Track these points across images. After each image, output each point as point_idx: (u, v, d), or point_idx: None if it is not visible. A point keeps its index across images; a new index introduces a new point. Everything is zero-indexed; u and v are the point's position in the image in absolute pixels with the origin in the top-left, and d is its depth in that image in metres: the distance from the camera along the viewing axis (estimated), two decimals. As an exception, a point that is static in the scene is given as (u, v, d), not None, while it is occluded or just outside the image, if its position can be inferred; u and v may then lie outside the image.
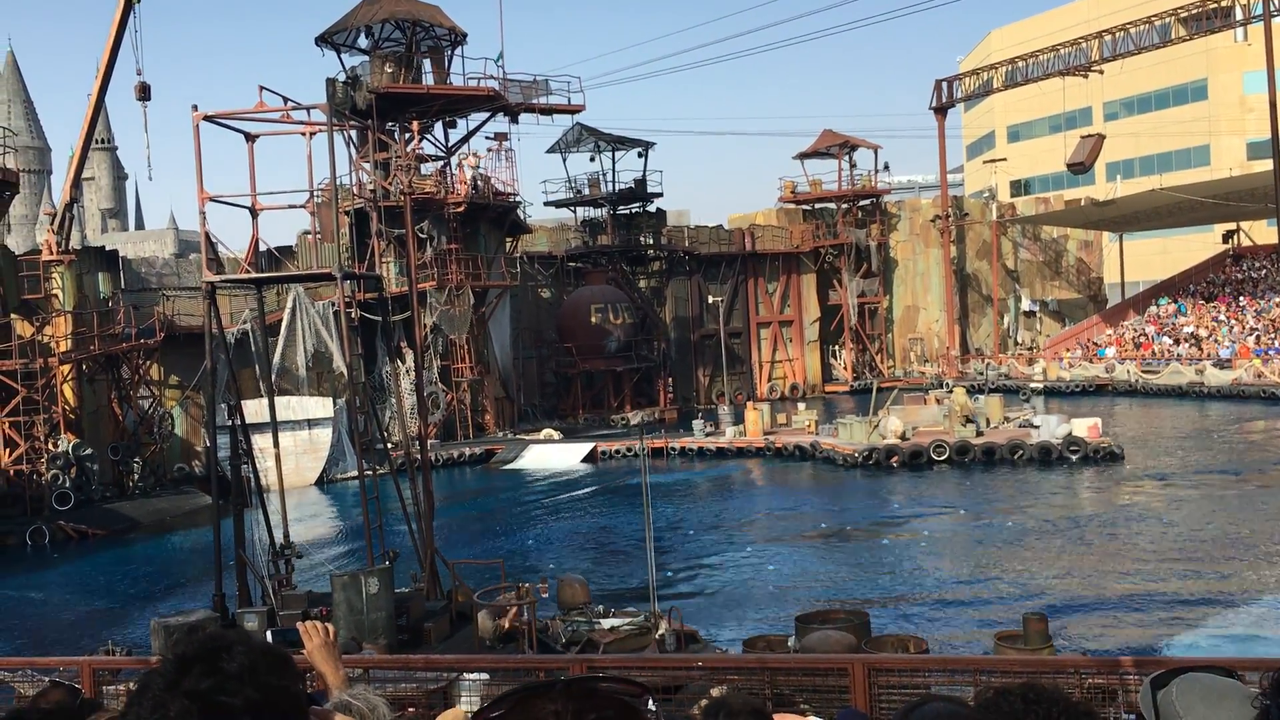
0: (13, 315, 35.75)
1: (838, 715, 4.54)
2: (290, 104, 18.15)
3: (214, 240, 18.78)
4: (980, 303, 68.50)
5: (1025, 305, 69.34)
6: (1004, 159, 78.31)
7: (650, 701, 1.45)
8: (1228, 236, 65.37)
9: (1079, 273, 71.22)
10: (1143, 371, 54.78)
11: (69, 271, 37.77)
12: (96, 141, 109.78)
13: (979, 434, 37.59)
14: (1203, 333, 58.26)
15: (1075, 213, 65.70)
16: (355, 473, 26.73)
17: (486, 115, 48.38)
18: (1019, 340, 68.14)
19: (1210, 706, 2.16)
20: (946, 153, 66.32)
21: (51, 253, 37.41)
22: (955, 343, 64.74)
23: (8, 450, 33.63)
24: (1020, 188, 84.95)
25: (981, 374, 59.26)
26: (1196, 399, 49.96)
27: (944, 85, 63.91)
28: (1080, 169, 58.75)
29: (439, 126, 48.15)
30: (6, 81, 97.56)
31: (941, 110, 64.34)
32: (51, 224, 38.62)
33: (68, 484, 33.72)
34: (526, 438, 46.25)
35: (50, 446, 34.09)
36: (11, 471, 33.50)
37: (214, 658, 1.43)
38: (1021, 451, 35.82)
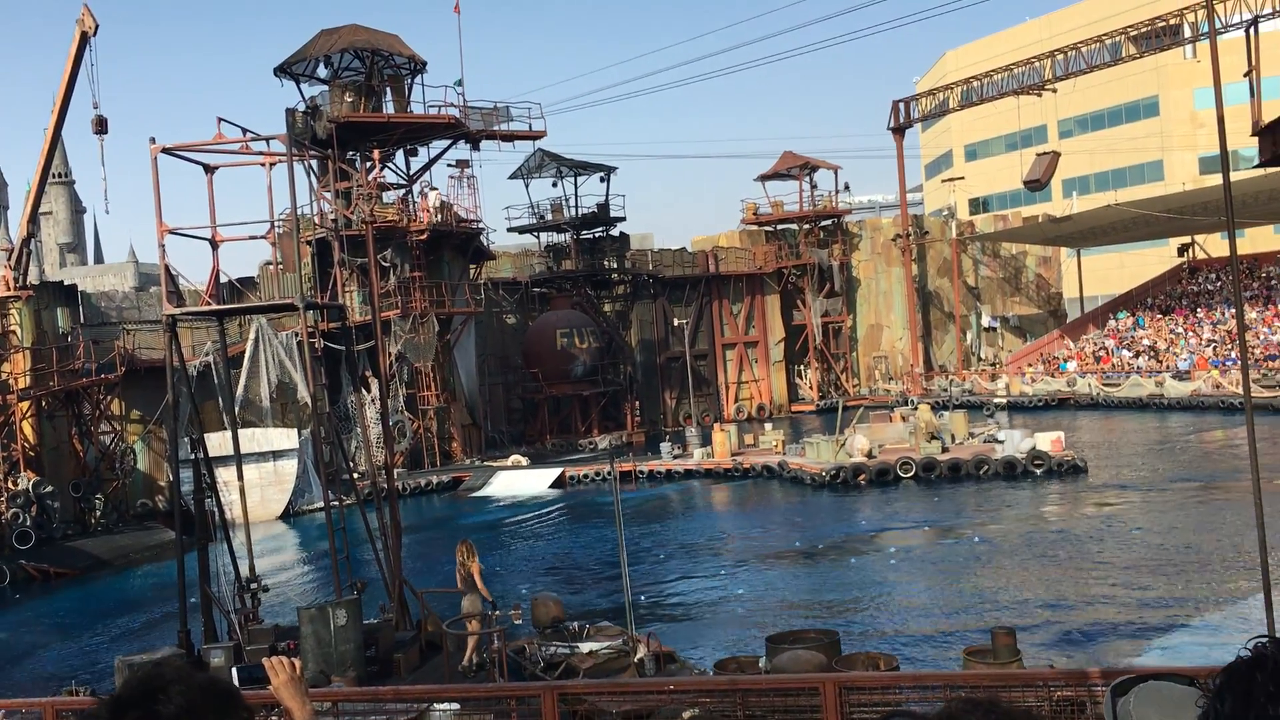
0: (-31, 352, 35.28)
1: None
2: (249, 135, 18.09)
3: (174, 273, 18.64)
4: (943, 320, 69.09)
5: (986, 321, 70.03)
6: (962, 177, 79.20)
7: None
8: (1183, 250, 66.41)
9: (1038, 288, 72.07)
10: (1103, 385, 55.42)
11: (27, 307, 37.33)
12: (54, 176, 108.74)
13: (944, 450, 37.86)
14: (1161, 345, 59.09)
15: (1033, 229, 66.54)
16: (321, 504, 26.51)
17: (448, 142, 48.40)
18: (981, 356, 68.76)
19: (1166, 715, 2.20)
20: (905, 172, 67.06)
21: (9, 288, 36.96)
22: (919, 360, 65.24)
23: (-34, 489, 33.10)
24: (979, 205, 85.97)
25: (945, 390, 59.75)
26: (1157, 411, 50.60)
27: (901, 106, 64.63)
28: (1037, 186, 59.56)
29: (400, 154, 48.12)
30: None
31: (899, 130, 65.04)
32: (8, 259, 38.18)
33: (28, 522, 33.20)
34: (494, 464, 46.09)
35: (10, 485, 33.59)
36: (-30, 511, 32.97)
37: (149, 700, 1.39)
38: (987, 466, 36.10)
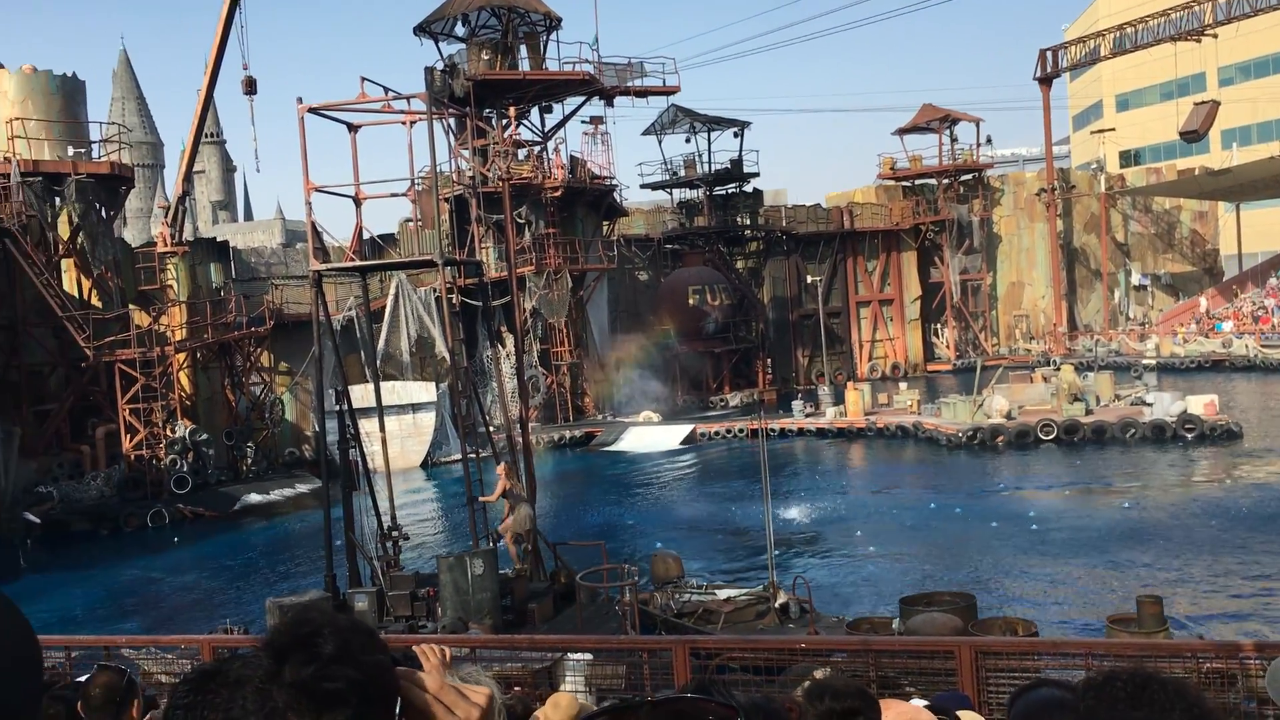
0: (131, 306, 37.12)
1: (935, 697, 4.42)
2: (391, 94, 18.41)
3: (320, 229, 19.19)
4: (1089, 277, 66.64)
5: (1136, 279, 67.27)
6: (1112, 129, 75.94)
7: None
8: (1353, 204, 62.47)
9: (1193, 245, 68.79)
10: (1262, 346, 52.70)
11: (183, 263, 39.06)
12: (206, 135, 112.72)
13: (1088, 412, 36.62)
14: (1327, 305, 55.83)
15: (1189, 183, 63.43)
16: (458, 456, 27.13)
17: (582, 99, 48.55)
18: (1130, 315, 66.18)
19: None
20: (1052, 124, 64.59)
21: (166, 245, 38.73)
22: (1062, 319, 63.11)
23: (129, 436, 34.99)
24: (1130, 158, 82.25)
25: (1090, 351, 57.63)
26: (1321, 374, 47.93)
27: (1049, 55, 62.16)
28: (1194, 137, 56.65)
29: (535, 111, 48.49)
30: (120, 79, 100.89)
31: (1046, 80, 62.60)
32: (165, 217, 39.97)
33: (185, 468, 34.96)
34: (626, 420, 46.48)
35: (168, 432, 35.37)
36: (133, 456, 34.87)
37: (309, 643, 1.44)
38: (1134, 430, 34.79)
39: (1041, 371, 42.88)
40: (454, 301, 33.66)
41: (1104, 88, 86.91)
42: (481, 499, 17.88)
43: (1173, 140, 65.05)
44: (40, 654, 1.23)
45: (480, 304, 36.83)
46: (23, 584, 27.18)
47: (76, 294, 36.06)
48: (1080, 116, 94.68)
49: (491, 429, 24.03)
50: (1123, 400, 38.52)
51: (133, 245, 42.21)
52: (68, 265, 36.43)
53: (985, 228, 63.95)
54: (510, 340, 39.15)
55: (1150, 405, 35.96)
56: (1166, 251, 68.49)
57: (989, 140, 64.76)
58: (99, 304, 36.29)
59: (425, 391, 41.15)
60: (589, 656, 10.73)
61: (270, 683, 1.41)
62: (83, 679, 4.06)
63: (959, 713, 3.87)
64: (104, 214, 37.14)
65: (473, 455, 18.68)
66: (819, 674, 8.76)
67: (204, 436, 36.38)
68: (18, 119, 35.08)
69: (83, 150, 37.54)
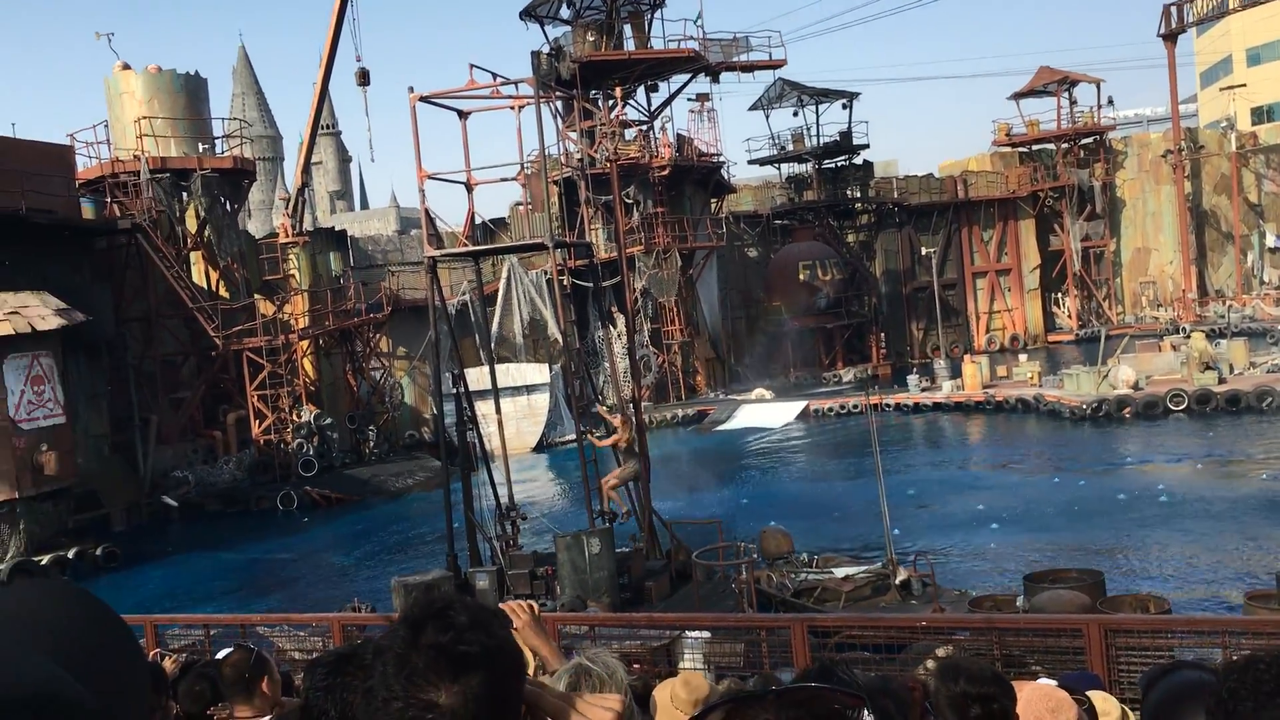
0: (256, 296, 38.36)
1: (1064, 676, 4.31)
2: (499, 79, 18.59)
3: (433, 216, 19.52)
4: (1219, 241, 63.93)
5: (1271, 241, 64.28)
6: (1243, 85, 72.63)
7: (866, 712, 1.41)
8: None
9: (1333, 203, 65.43)
10: None
11: (304, 252, 40.18)
12: (322, 127, 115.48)
13: (1221, 381, 35.21)
14: None
15: (1327, 138, 60.34)
16: (573, 436, 27.42)
17: (688, 77, 48.37)
18: (1265, 279, 63.32)
19: None
20: (1177, 82, 61.99)
21: (287, 235, 39.89)
22: (1192, 285, 60.71)
23: (258, 422, 36.23)
24: (1263, 115, 78.48)
25: (1223, 317, 55.38)
26: None
27: (1173, 10, 59.63)
28: (1332, 90, 53.81)
29: (641, 91, 48.47)
30: (239, 75, 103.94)
31: (1171, 37, 60.08)
32: (286, 208, 41.15)
33: (311, 452, 36.06)
34: (738, 398, 46.34)
35: (294, 417, 36.50)
36: (262, 441, 36.11)
37: (444, 614, 1.50)
38: (1271, 399, 33.33)
39: (1170, 340, 41.39)
40: (565, 283, 33.98)
41: (1233, 42, 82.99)
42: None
43: (1309, 94, 61.92)
44: (137, 650, 1.25)
45: (591, 285, 37.00)
46: (165, 563, 28.48)
47: (205, 285, 37.42)
48: (1208, 73, 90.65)
49: (605, 409, 24.18)
50: (1258, 368, 36.97)
51: (256, 236, 43.57)
52: (196, 258, 37.81)
53: (1108, 192, 61.84)
54: (621, 320, 39.32)
55: (1288, 372, 34.44)
56: (1304, 211, 65.32)
57: (1110, 101, 62.53)
58: (226, 294, 37.60)
59: (539, 373, 41.61)
60: (707, 634, 10.76)
61: (410, 649, 1.48)
62: (220, 655, 4.28)
63: (1089, 693, 3.76)
64: (228, 207, 38.41)
65: (587, 435, 18.83)
66: (941, 652, 8.61)
67: (328, 420, 37.44)
68: (145, 118, 36.45)
69: (207, 146, 38.86)
